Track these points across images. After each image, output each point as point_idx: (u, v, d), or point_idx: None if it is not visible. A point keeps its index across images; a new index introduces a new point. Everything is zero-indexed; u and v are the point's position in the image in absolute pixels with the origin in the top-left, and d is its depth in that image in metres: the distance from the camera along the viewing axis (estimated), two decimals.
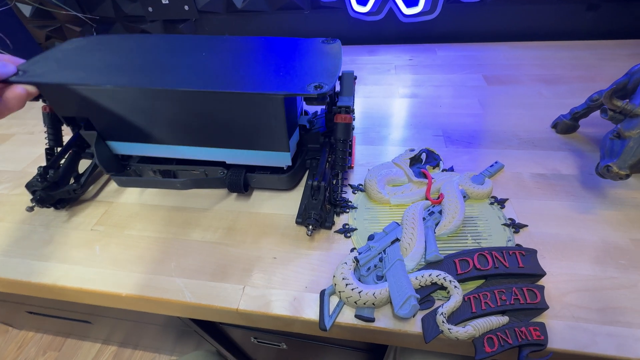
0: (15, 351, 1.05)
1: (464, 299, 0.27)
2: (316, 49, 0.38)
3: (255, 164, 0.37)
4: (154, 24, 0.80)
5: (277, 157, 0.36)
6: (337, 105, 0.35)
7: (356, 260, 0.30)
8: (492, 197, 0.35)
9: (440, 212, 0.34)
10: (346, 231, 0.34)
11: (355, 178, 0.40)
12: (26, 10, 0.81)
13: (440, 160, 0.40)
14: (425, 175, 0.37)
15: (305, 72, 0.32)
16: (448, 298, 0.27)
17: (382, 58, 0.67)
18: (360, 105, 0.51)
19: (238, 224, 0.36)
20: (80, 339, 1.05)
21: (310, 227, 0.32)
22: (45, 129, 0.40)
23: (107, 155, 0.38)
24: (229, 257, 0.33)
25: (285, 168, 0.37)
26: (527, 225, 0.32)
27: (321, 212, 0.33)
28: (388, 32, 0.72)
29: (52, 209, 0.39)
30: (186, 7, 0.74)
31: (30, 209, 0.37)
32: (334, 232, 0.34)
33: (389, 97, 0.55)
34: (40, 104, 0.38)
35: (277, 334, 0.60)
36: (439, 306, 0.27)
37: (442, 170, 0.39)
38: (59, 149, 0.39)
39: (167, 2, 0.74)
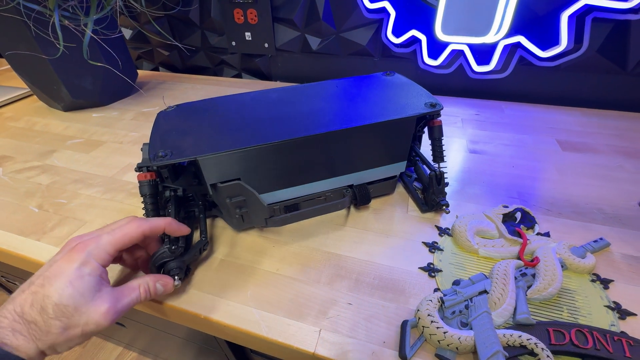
0: None
1: None
2: (389, 81, 0.46)
3: (376, 178, 0.42)
4: (233, 56, 0.88)
5: (395, 167, 0.42)
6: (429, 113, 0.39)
7: (441, 300, 0.30)
8: (594, 274, 0.33)
9: (533, 275, 0.33)
10: (431, 270, 0.34)
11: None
12: (127, 33, 0.93)
13: (536, 223, 0.39)
14: (519, 235, 0.37)
15: (408, 97, 0.41)
16: None
17: (447, 110, 0.68)
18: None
19: (312, 261, 0.37)
20: (105, 338, 1.07)
21: (444, 207, 0.41)
22: (142, 199, 0.36)
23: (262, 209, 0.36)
24: (303, 294, 0.33)
25: (398, 175, 0.43)
26: (636, 314, 0.30)
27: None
28: (454, 85, 0.73)
29: None
30: (266, 45, 0.81)
31: (180, 281, 0.32)
32: (418, 269, 0.35)
33: (457, 151, 0.55)
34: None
35: None
36: None
37: (537, 234, 0.38)
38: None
39: (249, 38, 0.81)
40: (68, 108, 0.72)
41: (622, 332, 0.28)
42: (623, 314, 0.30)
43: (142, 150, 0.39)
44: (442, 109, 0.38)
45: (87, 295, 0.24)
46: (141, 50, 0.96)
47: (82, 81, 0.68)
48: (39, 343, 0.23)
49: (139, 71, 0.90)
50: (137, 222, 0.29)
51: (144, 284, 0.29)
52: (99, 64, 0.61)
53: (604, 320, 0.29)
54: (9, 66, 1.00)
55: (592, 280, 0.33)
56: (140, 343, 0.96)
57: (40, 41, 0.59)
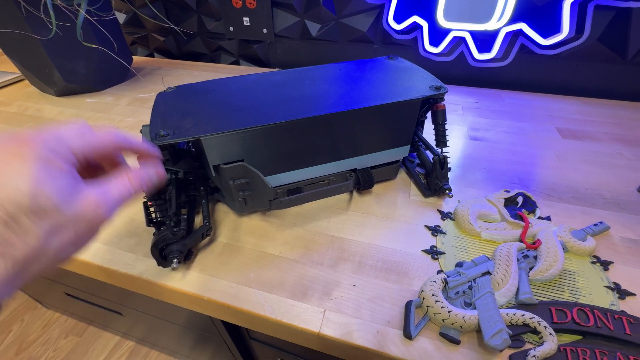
0: (40, 329, 1.08)
1: (559, 348, 0.26)
2: (393, 64, 0.45)
3: (379, 162, 0.42)
4: (230, 42, 0.86)
5: (399, 151, 0.42)
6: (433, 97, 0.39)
7: (445, 281, 0.30)
8: (594, 256, 0.34)
9: (535, 257, 0.33)
10: (434, 252, 0.35)
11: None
12: (121, 18, 0.91)
13: (537, 207, 0.39)
14: (521, 218, 0.37)
15: (412, 80, 0.40)
16: (540, 343, 0.27)
17: (448, 97, 0.67)
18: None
19: (315, 244, 0.36)
20: (102, 328, 1.07)
21: (447, 191, 0.41)
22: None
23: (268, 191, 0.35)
24: (307, 276, 0.33)
25: (400, 160, 0.43)
26: (635, 294, 0.30)
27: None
28: (455, 73, 0.73)
29: None
30: (265, 30, 0.79)
31: (178, 264, 0.32)
32: (421, 251, 0.35)
33: (458, 138, 0.55)
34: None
35: None
36: (530, 349, 0.26)
37: (538, 218, 0.38)
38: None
39: (247, 23, 0.80)
40: (61, 93, 0.70)
41: (622, 311, 0.29)
42: (623, 294, 0.30)
43: (141, 132, 0.38)
44: (446, 91, 0.38)
45: (66, 191, 0.18)
46: (135, 36, 0.94)
47: (76, 65, 0.66)
48: (13, 258, 0.16)
49: (133, 57, 0.87)
50: (114, 130, 0.22)
51: (136, 173, 0.23)
52: (94, 46, 0.59)
53: (604, 300, 0.30)
54: None
55: (593, 262, 0.33)
56: (138, 332, 0.96)
57: (32, 21, 0.57)
